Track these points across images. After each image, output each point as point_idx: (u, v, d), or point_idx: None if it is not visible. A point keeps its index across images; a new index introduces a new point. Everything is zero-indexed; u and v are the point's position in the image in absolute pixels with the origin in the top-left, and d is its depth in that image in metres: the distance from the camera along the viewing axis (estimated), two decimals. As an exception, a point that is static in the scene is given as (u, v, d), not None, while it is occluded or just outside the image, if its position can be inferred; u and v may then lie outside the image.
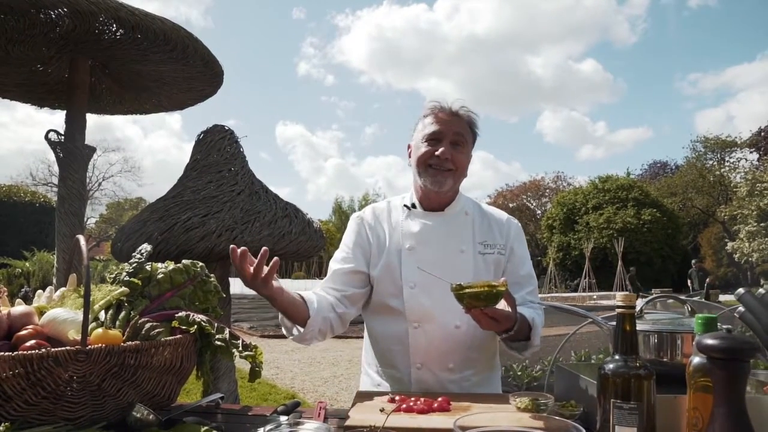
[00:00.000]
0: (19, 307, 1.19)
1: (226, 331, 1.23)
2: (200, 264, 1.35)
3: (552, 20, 72.99)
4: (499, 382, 1.64)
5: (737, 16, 64.14)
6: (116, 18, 3.50)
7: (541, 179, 42.09)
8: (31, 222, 21.58)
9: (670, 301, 1.86)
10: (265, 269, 1.27)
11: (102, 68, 4.39)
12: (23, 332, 1.10)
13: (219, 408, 1.32)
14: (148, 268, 1.29)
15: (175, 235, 3.08)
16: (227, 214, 3.20)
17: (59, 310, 1.16)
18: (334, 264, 1.61)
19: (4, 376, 0.94)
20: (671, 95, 68.88)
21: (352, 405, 1.23)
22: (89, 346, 1.01)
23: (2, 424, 0.97)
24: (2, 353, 0.95)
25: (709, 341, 0.82)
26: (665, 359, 1.16)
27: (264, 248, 1.26)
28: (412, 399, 1.20)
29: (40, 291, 1.38)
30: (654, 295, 1.47)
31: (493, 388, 1.59)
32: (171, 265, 1.30)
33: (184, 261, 1.33)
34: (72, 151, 4.17)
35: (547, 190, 41.71)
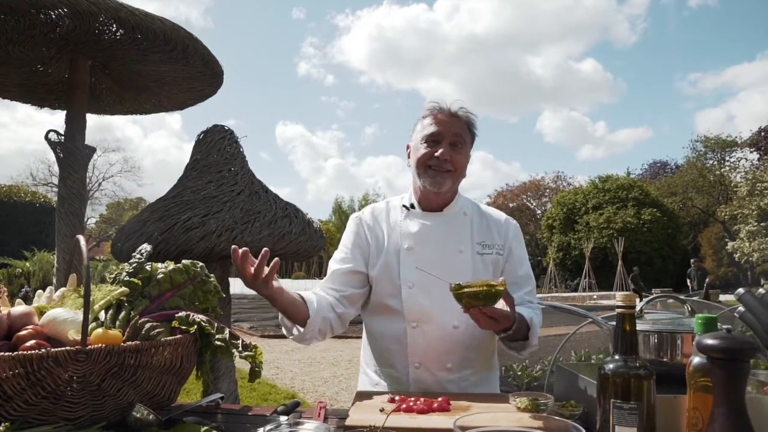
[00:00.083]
0: (19, 307, 1.19)
1: (226, 331, 1.23)
2: (200, 264, 1.35)
3: (552, 20, 73.06)
4: (497, 382, 1.64)
5: (737, 15, 64.20)
6: (116, 18, 3.50)
7: (541, 179, 42.14)
8: (32, 222, 21.59)
9: (670, 301, 1.86)
10: (266, 270, 1.27)
11: (102, 68, 4.39)
12: (23, 332, 1.10)
13: (219, 408, 1.32)
14: (148, 268, 1.29)
15: (175, 235, 3.08)
16: (227, 214, 3.20)
17: (59, 310, 1.16)
18: (333, 264, 1.62)
19: (4, 376, 0.94)
20: (671, 95, 68.96)
21: (352, 405, 1.23)
22: (89, 346, 1.01)
23: (2, 424, 0.97)
24: (2, 353, 0.95)
25: (709, 341, 0.82)
26: (665, 359, 1.16)
27: (265, 249, 1.26)
28: (412, 399, 1.20)
29: (40, 291, 1.38)
30: (654, 295, 1.47)
31: (492, 388, 1.59)
32: (171, 265, 1.30)
33: (184, 261, 1.33)
34: (72, 151, 4.17)
35: (547, 190, 41.73)
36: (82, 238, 1.17)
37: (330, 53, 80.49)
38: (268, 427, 0.91)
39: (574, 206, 32.32)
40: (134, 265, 1.28)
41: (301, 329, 1.43)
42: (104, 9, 3.40)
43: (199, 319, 1.20)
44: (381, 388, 1.56)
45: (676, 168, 37.23)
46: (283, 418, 1.18)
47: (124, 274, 1.26)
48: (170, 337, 1.14)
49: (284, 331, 1.49)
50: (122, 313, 1.20)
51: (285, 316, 1.43)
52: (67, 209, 4.10)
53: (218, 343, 1.20)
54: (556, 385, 1.36)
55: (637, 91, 70.89)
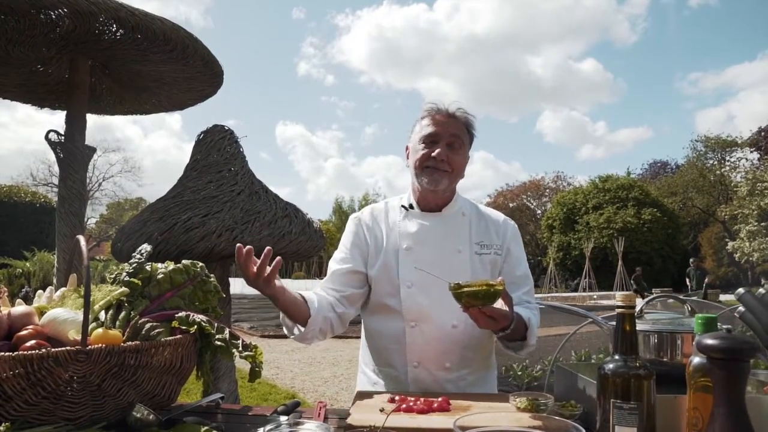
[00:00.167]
0: (20, 308, 1.19)
1: (226, 331, 1.23)
2: (200, 264, 1.35)
3: (552, 20, 73.05)
4: (495, 382, 1.65)
5: (738, 15, 64.20)
6: (116, 18, 3.50)
7: (541, 179, 42.14)
8: (32, 222, 21.59)
9: (671, 301, 1.86)
10: (268, 269, 1.28)
11: (102, 68, 4.39)
12: (23, 332, 1.10)
13: (219, 408, 1.32)
14: (148, 268, 1.29)
15: (175, 235, 3.08)
16: (227, 214, 3.20)
17: (59, 310, 1.16)
18: (333, 264, 1.63)
19: (5, 376, 0.95)
20: (671, 95, 68.97)
21: (352, 405, 1.23)
22: (89, 347, 1.01)
23: (2, 424, 0.97)
24: (2, 353, 0.95)
25: (709, 341, 0.82)
26: (665, 359, 1.16)
27: (268, 248, 1.27)
28: (412, 399, 1.20)
29: (40, 291, 1.38)
30: (654, 295, 1.48)
31: (489, 387, 1.60)
32: (171, 266, 1.31)
33: (184, 261, 1.33)
34: (72, 151, 4.17)
35: (547, 190, 41.72)
36: (82, 239, 1.17)
37: (330, 53, 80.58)
38: (268, 427, 0.91)
39: (574, 206, 32.33)
40: (134, 265, 1.28)
41: (302, 329, 1.43)
42: (104, 9, 3.40)
43: (199, 319, 1.20)
44: (379, 388, 1.56)
45: (676, 168, 37.24)
46: (283, 418, 1.18)
47: (124, 274, 1.27)
48: (170, 338, 1.14)
49: (285, 331, 1.49)
50: (122, 314, 1.20)
51: (286, 316, 1.44)
52: (68, 209, 4.10)
53: (218, 343, 1.20)
54: (556, 385, 1.36)
55: (637, 90, 70.98)
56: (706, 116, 67.96)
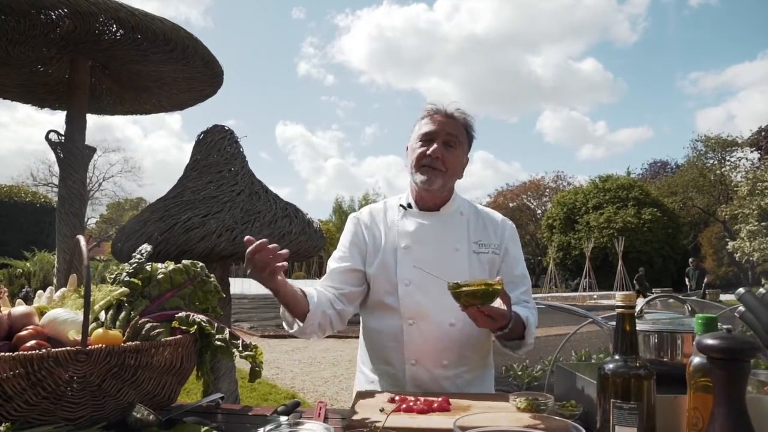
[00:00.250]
0: (20, 308, 1.19)
1: (226, 331, 1.23)
2: (200, 264, 1.35)
3: (552, 19, 73.10)
4: (492, 381, 1.66)
5: (738, 14, 64.22)
6: (116, 18, 3.50)
7: (541, 179, 42.14)
8: (32, 222, 21.58)
9: (671, 300, 1.86)
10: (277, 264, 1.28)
11: (102, 69, 4.39)
12: (24, 332, 1.10)
13: (219, 408, 1.32)
14: (148, 268, 1.29)
15: (175, 236, 3.08)
16: (227, 215, 3.20)
17: (59, 311, 1.16)
18: (332, 263, 1.64)
19: (5, 376, 0.95)
20: (672, 94, 69.03)
21: (352, 405, 1.23)
22: (89, 347, 1.01)
23: (3, 425, 0.97)
24: (3, 353, 0.95)
25: (709, 341, 0.82)
26: (665, 359, 1.16)
27: (274, 245, 1.27)
28: (412, 399, 1.20)
29: (40, 291, 1.38)
30: (654, 295, 1.48)
31: (486, 386, 1.61)
32: (171, 266, 1.31)
33: (184, 261, 1.33)
34: (72, 151, 4.17)
35: (548, 190, 41.73)
36: (82, 239, 1.17)
37: (330, 53, 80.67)
38: (268, 427, 0.91)
39: (575, 206, 32.33)
40: (134, 265, 1.28)
41: (301, 324, 1.44)
42: (104, 9, 3.40)
43: (199, 319, 1.20)
44: (377, 386, 1.57)
45: (676, 167, 37.23)
46: (283, 418, 1.18)
47: (125, 274, 1.27)
48: (170, 338, 1.14)
49: (285, 325, 1.50)
50: (122, 314, 1.20)
51: (286, 310, 1.44)
52: (68, 209, 4.10)
53: (218, 343, 1.20)
54: (556, 385, 1.36)
55: (638, 90, 71.05)
56: (706, 116, 68.10)
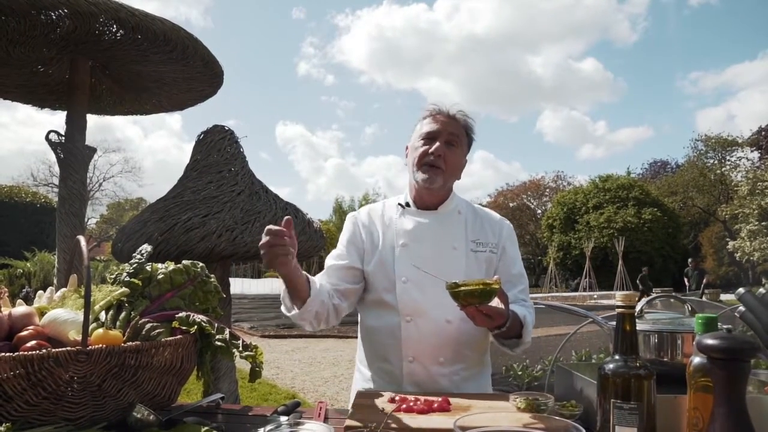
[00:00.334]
0: (20, 308, 1.19)
1: (227, 331, 1.23)
2: (200, 264, 1.35)
3: (552, 19, 73.06)
4: (489, 379, 1.67)
5: (738, 14, 64.15)
6: (116, 19, 3.50)
7: (542, 179, 42.13)
8: (32, 222, 21.61)
9: (671, 300, 1.86)
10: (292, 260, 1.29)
11: (102, 69, 4.39)
12: (24, 333, 1.10)
13: (219, 408, 1.32)
14: (148, 268, 1.29)
15: (176, 236, 3.08)
16: (227, 215, 3.20)
17: (60, 311, 1.16)
18: (330, 260, 1.65)
19: (5, 376, 0.95)
20: (672, 94, 68.94)
21: (352, 405, 1.23)
22: (90, 347, 1.01)
23: (3, 425, 0.97)
24: (3, 354, 0.95)
25: (710, 341, 0.82)
26: (665, 359, 1.16)
27: (287, 217, 1.28)
28: (412, 399, 1.20)
29: (40, 291, 1.38)
30: (654, 295, 1.48)
31: (483, 383, 1.62)
32: (171, 266, 1.31)
33: (184, 261, 1.34)
34: (72, 151, 4.17)
35: (548, 190, 41.72)
36: (82, 239, 1.17)
37: (330, 53, 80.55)
38: (268, 427, 0.91)
39: (575, 206, 32.33)
40: (134, 265, 1.29)
41: (299, 310, 1.43)
42: (104, 10, 3.40)
43: (199, 320, 1.20)
44: (375, 384, 1.58)
45: (676, 167, 37.22)
46: (283, 418, 1.19)
47: (125, 274, 1.27)
48: (170, 338, 1.14)
49: (283, 309, 1.49)
50: (123, 314, 1.20)
51: (288, 293, 1.43)
52: (68, 210, 4.10)
53: (218, 343, 1.20)
54: (556, 385, 1.36)
55: (638, 90, 70.97)
56: (706, 115, 68.02)
